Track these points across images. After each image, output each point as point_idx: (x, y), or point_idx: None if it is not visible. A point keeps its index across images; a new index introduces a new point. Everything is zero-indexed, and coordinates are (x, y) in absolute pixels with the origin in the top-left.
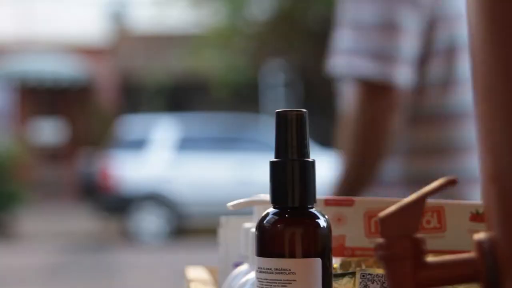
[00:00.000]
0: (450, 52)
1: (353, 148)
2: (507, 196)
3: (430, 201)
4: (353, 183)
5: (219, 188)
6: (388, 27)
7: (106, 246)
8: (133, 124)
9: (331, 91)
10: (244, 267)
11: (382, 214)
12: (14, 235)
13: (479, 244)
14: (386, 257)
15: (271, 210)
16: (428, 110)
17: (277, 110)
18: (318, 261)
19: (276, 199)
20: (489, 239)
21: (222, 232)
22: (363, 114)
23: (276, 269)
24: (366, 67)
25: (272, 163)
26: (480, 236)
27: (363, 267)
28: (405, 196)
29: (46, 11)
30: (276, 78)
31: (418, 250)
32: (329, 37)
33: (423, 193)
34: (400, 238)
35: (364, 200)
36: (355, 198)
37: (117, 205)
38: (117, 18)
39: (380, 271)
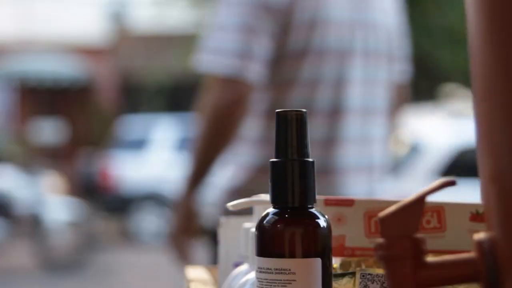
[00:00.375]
0: (301, 55)
1: (204, 134)
2: (507, 196)
3: (430, 201)
4: (200, 166)
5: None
6: (245, 30)
7: (106, 246)
8: (133, 124)
9: None
10: (244, 267)
11: (382, 214)
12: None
13: (479, 244)
14: (386, 257)
15: (271, 210)
16: (276, 105)
17: (277, 110)
18: (318, 261)
19: (276, 199)
20: (489, 239)
21: (222, 232)
22: (215, 104)
23: (276, 269)
24: (223, 64)
25: (272, 163)
26: (480, 236)
27: (363, 267)
28: (253, 180)
29: (46, 11)
30: None
31: (418, 250)
32: None
33: (422, 193)
34: (400, 238)
35: (364, 200)
36: (355, 198)
37: (117, 205)
38: (117, 18)
39: (380, 271)
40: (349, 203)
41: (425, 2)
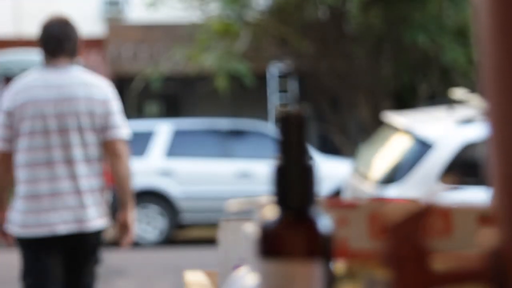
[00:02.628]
0: (21, 135)
1: None
2: None
3: (437, 203)
4: None
5: (219, 187)
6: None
7: (106, 246)
8: (130, 120)
9: (329, 94)
10: (244, 269)
11: (389, 218)
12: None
13: (486, 251)
14: (391, 261)
15: (272, 211)
16: (18, 161)
17: (277, 113)
18: (319, 263)
19: (277, 200)
20: (497, 243)
21: (221, 234)
22: None
23: (277, 271)
24: None
25: (273, 164)
26: (488, 240)
27: (367, 269)
28: (25, 205)
29: (37, 4)
30: (275, 79)
31: (424, 254)
32: (327, 31)
33: (428, 199)
34: (406, 242)
35: (367, 203)
36: (358, 201)
37: (115, 204)
38: (112, 9)
39: (383, 274)
40: (353, 205)
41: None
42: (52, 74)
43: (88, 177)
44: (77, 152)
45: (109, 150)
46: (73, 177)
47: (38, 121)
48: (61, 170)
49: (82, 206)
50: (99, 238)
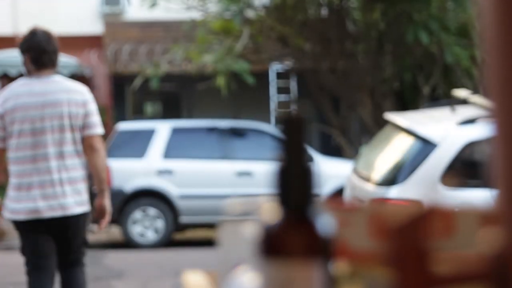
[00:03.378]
0: (12, 135)
1: None
2: None
3: (440, 205)
4: None
5: (219, 188)
6: None
7: (106, 246)
8: (130, 120)
9: (330, 93)
10: (244, 268)
11: (391, 219)
12: (12, 235)
13: (488, 252)
14: (393, 262)
15: (272, 212)
16: (9, 158)
17: (279, 115)
18: (319, 263)
19: (278, 201)
20: (499, 243)
21: (221, 234)
22: None
23: (277, 271)
24: None
25: (274, 165)
26: (490, 241)
27: (367, 270)
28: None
29: (37, 4)
30: (275, 79)
31: (426, 255)
32: (328, 30)
33: (430, 201)
34: (408, 243)
35: (368, 205)
36: (359, 203)
37: (114, 204)
38: (111, 7)
39: (384, 274)
40: (354, 206)
41: None
42: (38, 83)
43: (70, 169)
44: (60, 149)
45: (87, 145)
46: (56, 170)
47: (26, 123)
48: (45, 164)
49: (64, 195)
50: (81, 222)
